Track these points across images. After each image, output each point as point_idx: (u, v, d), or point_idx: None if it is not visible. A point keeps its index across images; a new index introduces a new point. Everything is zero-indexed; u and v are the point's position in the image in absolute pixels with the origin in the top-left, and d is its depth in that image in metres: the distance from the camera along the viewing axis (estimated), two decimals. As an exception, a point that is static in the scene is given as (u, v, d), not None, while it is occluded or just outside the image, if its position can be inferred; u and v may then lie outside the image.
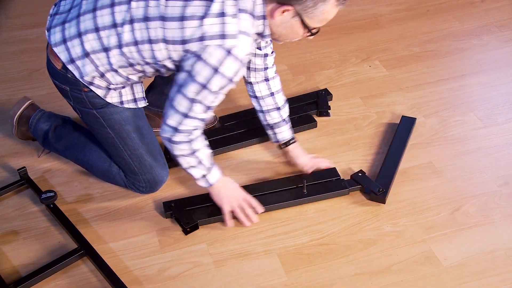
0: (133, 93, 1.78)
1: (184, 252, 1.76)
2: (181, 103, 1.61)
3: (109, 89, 1.71)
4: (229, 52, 1.51)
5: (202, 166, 1.74)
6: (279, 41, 1.67)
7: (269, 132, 2.00)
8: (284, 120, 1.97)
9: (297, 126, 2.15)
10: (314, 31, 1.62)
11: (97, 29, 1.60)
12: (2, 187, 1.93)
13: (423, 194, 1.91)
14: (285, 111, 1.97)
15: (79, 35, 1.62)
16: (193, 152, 1.70)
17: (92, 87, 1.69)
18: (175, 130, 1.65)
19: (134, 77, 1.72)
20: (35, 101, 2.09)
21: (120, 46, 1.60)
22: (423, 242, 1.76)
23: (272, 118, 1.96)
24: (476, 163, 2.02)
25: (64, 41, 1.65)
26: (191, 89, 1.57)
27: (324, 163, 1.98)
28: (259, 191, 1.89)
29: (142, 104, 1.81)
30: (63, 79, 1.73)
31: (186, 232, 1.80)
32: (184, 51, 1.55)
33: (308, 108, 2.23)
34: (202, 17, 1.51)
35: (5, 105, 2.30)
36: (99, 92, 1.71)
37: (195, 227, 1.80)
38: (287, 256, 1.74)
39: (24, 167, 1.96)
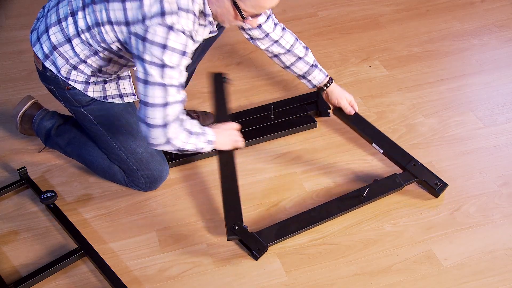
0: (119, 89, 1.79)
1: (184, 252, 1.76)
2: (155, 94, 1.53)
3: (88, 83, 1.73)
4: (170, 28, 1.49)
5: (202, 135, 1.66)
6: (220, 23, 1.64)
7: (304, 81, 2.05)
8: (312, 65, 2.00)
9: (297, 126, 2.15)
10: (245, 15, 1.57)
11: (59, 21, 1.65)
12: (2, 187, 1.93)
13: (423, 194, 1.91)
14: (310, 57, 2.00)
15: (46, 29, 1.67)
16: (189, 132, 1.62)
17: (70, 82, 1.71)
18: (164, 126, 1.56)
19: (108, 69, 1.72)
20: (35, 101, 2.09)
21: (78, 34, 1.63)
22: (423, 242, 1.76)
23: (300, 68, 2.01)
24: (476, 163, 2.02)
25: (38, 39, 1.70)
26: (154, 74, 1.51)
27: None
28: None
29: (130, 99, 1.81)
30: (45, 78, 1.76)
31: (256, 258, 1.73)
32: (129, 33, 1.54)
33: (308, 108, 2.22)
34: None
35: (5, 105, 2.30)
36: (79, 87, 1.73)
37: (265, 250, 1.74)
38: (287, 256, 1.74)
39: (24, 167, 1.96)
